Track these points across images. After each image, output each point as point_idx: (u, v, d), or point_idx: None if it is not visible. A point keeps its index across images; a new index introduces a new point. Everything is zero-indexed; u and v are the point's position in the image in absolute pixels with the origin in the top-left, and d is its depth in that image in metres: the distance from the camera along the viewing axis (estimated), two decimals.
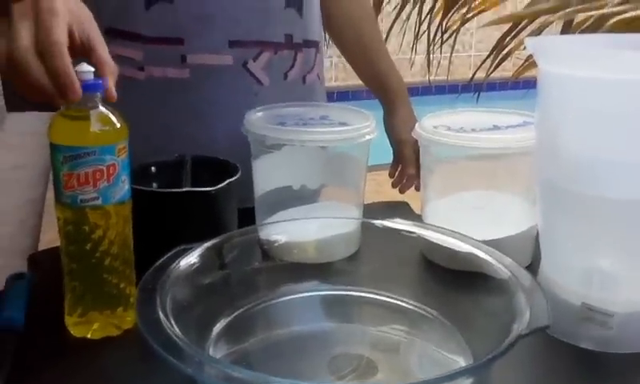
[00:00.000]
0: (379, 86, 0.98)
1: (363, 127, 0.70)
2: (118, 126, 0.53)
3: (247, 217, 0.74)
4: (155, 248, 0.54)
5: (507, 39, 1.49)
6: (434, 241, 0.62)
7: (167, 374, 0.46)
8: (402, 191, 0.99)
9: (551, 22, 1.34)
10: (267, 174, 0.75)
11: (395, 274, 0.64)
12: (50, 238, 2.57)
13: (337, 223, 0.69)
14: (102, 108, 0.52)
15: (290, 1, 0.82)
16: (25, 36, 0.49)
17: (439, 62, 1.78)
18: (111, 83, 0.52)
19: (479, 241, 0.57)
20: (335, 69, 4.35)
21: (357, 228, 0.71)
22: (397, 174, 0.99)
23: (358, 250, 0.71)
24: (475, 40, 4.87)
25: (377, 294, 0.63)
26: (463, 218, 0.67)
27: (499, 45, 1.51)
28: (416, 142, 0.96)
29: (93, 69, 0.51)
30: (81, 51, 0.53)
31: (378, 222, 0.64)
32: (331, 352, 0.56)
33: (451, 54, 1.62)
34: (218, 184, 0.66)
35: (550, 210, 0.60)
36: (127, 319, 0.57)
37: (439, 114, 0.74)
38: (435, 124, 0.70)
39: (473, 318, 0.55)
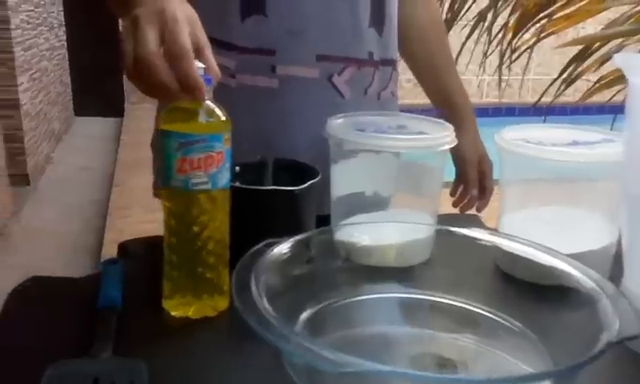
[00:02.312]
0: (446, 104, 0.99)
1: (443, 136, 0.71)
2: (223, 118, 0.57)
3: (322, 224, 0.76)
4: (238, 242, 0.58)
5: (576, 63, 1.47)
6: (512, 251, 0.62)
7: (256, 354, 0.48)
8: (462, 211, 1.00)
9: (624, 46, 1.33)
10: (343, 179, 0.77)
11: (470, 281, 0.65)
12: (113, 236, 2.67)
13: (416, 229, 0.71)
14: (209, 102, 0.57)
15: (373, 20, 0.85)
16: (152, 40, 0.53)
17: (503, 84, 1.77)
18: (215, 84, 0.57)
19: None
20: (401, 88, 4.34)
21: (432, 234, 0.72)
22: (458, 193, 0.99)
23: (431, 256, 0.71)
24: (535, 63, 4.80)
25: (452, 300, 0.64)
26: (540, 232, 0.67)
27: (567, 68, 1.49)
28: (481, 162, 0.97)
29: (204, 65, 0.56)
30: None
31: (456, 230, 0.65)
32: (408, 353, 0.57)
33: (523, 74, 1.61)
34: (296, 185, 0.68)
35: (637, 226, 0.59)
36: (222, 303, 0.60)
37: (519, 128, 0.75)
38: (515, 137, 0.71)
39: (553, 329, 0.55)
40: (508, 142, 0.70)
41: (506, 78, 1.64)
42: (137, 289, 0.62)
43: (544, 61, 4.60)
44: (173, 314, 0.59)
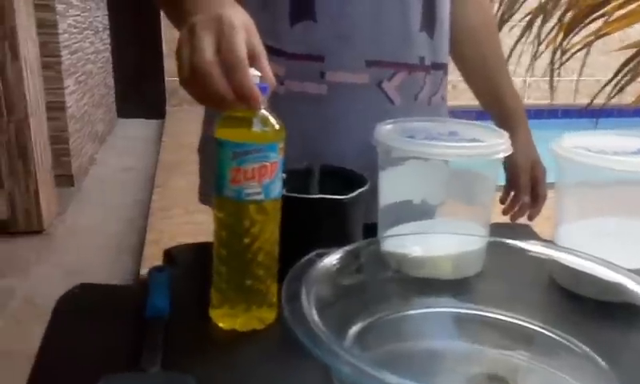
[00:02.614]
0: (497, 107, 0.96)
1: (497, 144, 0.69)
2: (277, 127, 0.56)
3: (369, 233, 0.75)
4: (284, 252, 0.57)
5: (631, 65, 1.42)
6: (571, 265, 0.59)
7: (305, 369, 0.47)
8: (512, 219, 0.96)
9: None
10: (391, 187, 0.75)
11: (525, 296, 0.62)
12: (154, 237, 2.69)
13: (469, 240, 0.68)
14: (264, 110, 0.55)
15: (424, 24, 0.83)
16: (208, 48, 0.52)
17: (545, 85, 1.72)
18: (270, 92, 0.56)
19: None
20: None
21: (485, 246, 0.69)
22: (509, 200, 0.96)
23: (484, 268, 0.69)
24: (578, 65, 4.66)
25: (505, 315, 0.61)
26: (600, 245, 0.64)
27: (620, 70, 1.44)
28: (533, 167, 0.94)
29: (260, 74, 0.54)
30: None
31: (510, 241, 0.63)
32: (459, 370, 0.55)
33: (579, 74, 1.55)
34: (344, 194, 0.67)
35: None
36: (269, 316, 0.59)
37: (579, 135, 0.72)
38: (575, 144, 0.68)
39: (620, 350, 0.52)
40: (567, 149, 0.67)
41: (547, 79, 1.60)
42: (184, 297, 0.62)
43: (588, 62, 4.48)
44: (220, 325, 0.58)
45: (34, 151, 2.60)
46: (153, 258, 2.23)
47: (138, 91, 4.64)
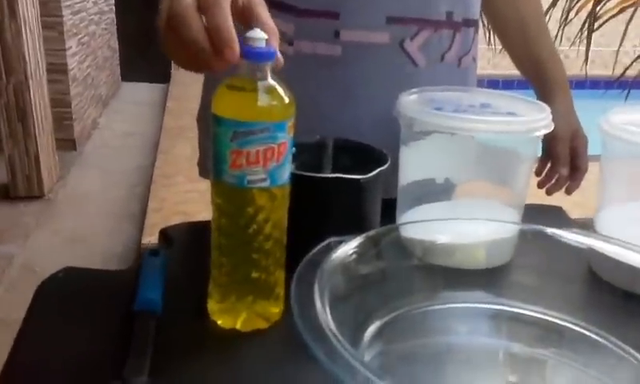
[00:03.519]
0: (537, 74, 0.88)
1: (537, 119, 0.61)
2: (287, 100, 0.48)
3: (387, 210, 0.68)
4: (292, 237, 0.50)
5: None
6: (611, 255, 0.53)
7: (315, 373, 0.41)
8: (549, 193, 0.88)
9: None
10: (413, 164, 0.68)
11: (560, 288, 0.56)
12: (156, 205, 2.64)
13: (504, 226, 0.61)
14: (270, 80, 0.47)
15: None
16: None
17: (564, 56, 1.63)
18: (276, 49, 0.47)
19: None
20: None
21: (517, 232, 0.62)
22: (545, 172, 0.88)
23: (514, 257, 0.62)
24: (597, 34, 4.53)
25: (537, 311, 0.55)
26: None
27: None
28: (574, 137, 0.86)
29: (266, 36, 0.46)
30: (242, 15, 0.48)
31: (544, 228, 0.56)
32: (494, 372, 0.50)
33: (620, 46, 1.46)
34: (360, 171, 0.60)
35: None
36: (274, 311, 0.52)
37: (628, 109, 0.64)
38: (623, 120, 0.60)
39: None
40: (615, 126, 0.60)
41: (564, 49, 1.50)
42: (179, 286, 0.55)
43: (605, 31, 4.36)
44: (219, 322, 0.51)
45: (33, 114, 2.54)
46: (154, 226, 2.18)
47: (142, 54, 4.54)
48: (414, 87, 0.70)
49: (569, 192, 0.87)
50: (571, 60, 3.78)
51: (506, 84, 3.45)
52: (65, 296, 0.55)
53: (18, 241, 2.26)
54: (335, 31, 0.72)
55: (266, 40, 0.46)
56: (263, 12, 0.49)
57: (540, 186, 0.88)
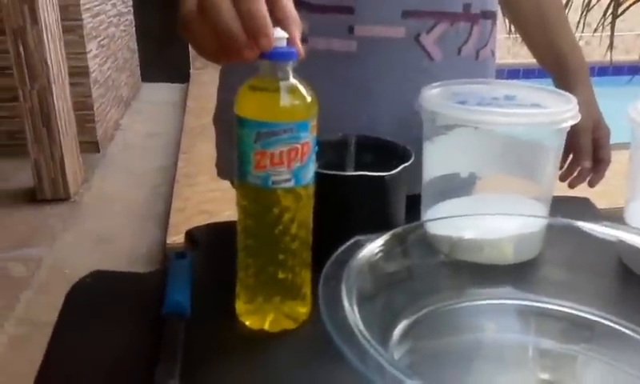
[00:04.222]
0: (558, 66, 0.86)
1: (563, 111, 0.60)
2: (309, 99, 0.47)
3: (411, 205, 0.67)
4: (317, 235, 0.50)
5: None
6: None
7: (344, 372, 0.41)
8: (571, 186, 0.86)
9: None
10: (437, 159, 0.67)
11: (589, 282, 0.55)
12: (179, 205, 2.67)
13: (532, 220, 0.60)
14: (292, 79, 0.47)
15: None
16: None
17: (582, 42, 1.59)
18: (298, 39, 0.46)
19: None
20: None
21: (545, 226, 0.61)
22: (567, 164, 0.86)
23: (542, 251, 0.61)
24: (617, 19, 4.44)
25: (567, 306, 0.54)
26: None
27: None
28: (596, 129, 0.84)
29: (287, 35, 0.45)
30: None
31: (573, 221, 0.55)
32: (524, 370, 0.49)
33: None
34: (383, 167, 0.59)
35: None
36: (302, 311, 0.52)
37: None
38: None
39: None
40: None
41: (586, 35, 1.47)
42: (206, 288, 0.55)
43: (626, 16, 4.27)
44: (247, 323, 0.51)
45: (57, 118, 2.57)
46: (178, 226, 2.20)
47: (161, 54, 4.57)
48: (430, 82, 0.69)
49: (592, 185, 0.85)
50: (592, 47, 3.73)
51: (526, 73, 3.40)
52: (94, 300, 0.56)
53: (45, 243, 2.30)
54: (349, 26, 0.71)
55: (288, 40, 0.46)
56: (287, 5, 0.47)
57: (562, 179, 0.87)
